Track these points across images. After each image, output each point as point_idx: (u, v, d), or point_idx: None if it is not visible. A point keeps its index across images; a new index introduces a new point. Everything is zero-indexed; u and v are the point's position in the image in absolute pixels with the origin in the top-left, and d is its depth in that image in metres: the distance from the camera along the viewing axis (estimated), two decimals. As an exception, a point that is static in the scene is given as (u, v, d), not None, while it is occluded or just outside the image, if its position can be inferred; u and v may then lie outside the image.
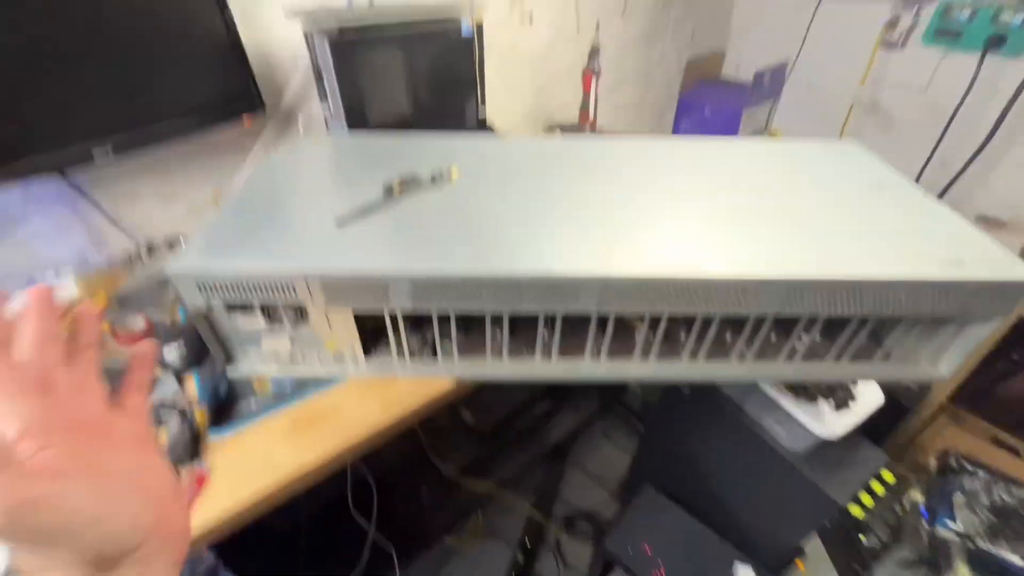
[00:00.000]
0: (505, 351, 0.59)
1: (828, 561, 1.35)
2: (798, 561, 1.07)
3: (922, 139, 1.45)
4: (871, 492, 0.86)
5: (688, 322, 0.60)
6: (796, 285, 0.49)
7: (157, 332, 0.62)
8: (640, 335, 0.59)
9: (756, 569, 0.97)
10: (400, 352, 0.59)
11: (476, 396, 1.57)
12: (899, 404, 1.28)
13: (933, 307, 0.52)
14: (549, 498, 1.51)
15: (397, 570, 1.22)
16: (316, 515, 1.17)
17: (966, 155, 1.32)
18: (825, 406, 0.82)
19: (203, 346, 0.61)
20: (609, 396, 1.75)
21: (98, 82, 0.68)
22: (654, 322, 0.57)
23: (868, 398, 0.83)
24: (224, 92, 0.81)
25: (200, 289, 0.49)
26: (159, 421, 0.53)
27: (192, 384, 0.58)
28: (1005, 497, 1.06)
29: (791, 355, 0.61)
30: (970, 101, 1.29)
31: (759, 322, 0.56)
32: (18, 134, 0.64)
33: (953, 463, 1.14)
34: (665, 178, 0.66)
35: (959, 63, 1.33)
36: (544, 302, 0.51)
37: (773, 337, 0.61)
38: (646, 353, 0.60)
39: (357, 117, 0.81)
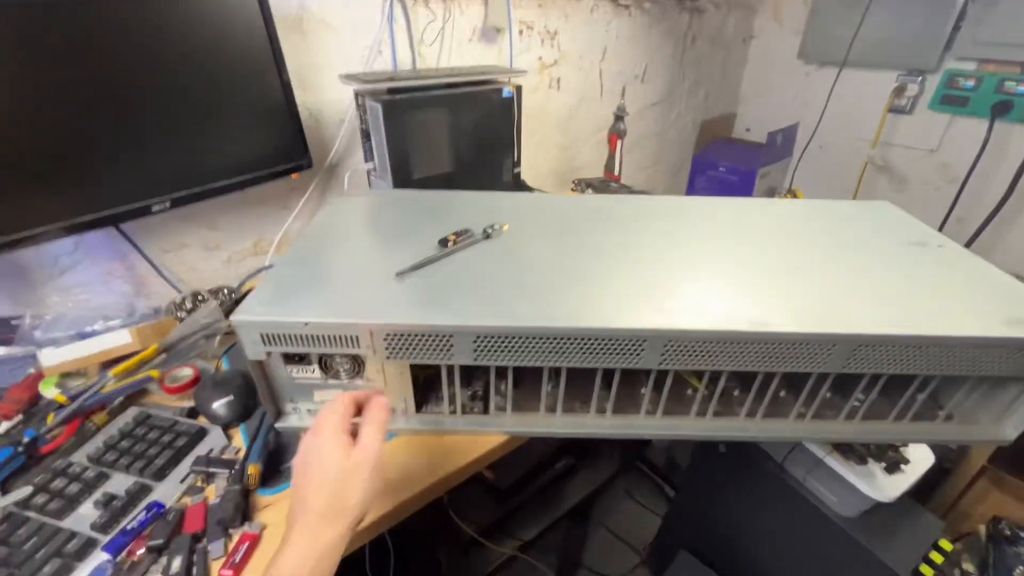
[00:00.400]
0: (559, 407, 0.58)
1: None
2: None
3: (934, 198, 1.49)
4: (930, 563, 0.81)
5: (743, 379, 0.59)
6: (865, 340, 0.49)
7: (204, 383, 0.61)
8: (698, 393, 0.58)
9: (808, 648, 0.90)
10: (452, 407, 0.58)
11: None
12: (940, 465, 1.23)
13: (999, 366, 0.51)
14: (573, 562, 1.43)
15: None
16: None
17: (981, 214, 1.35)
18: (876, 468, 0.79)
19: (249, 400, 0.61)
20: (631, 453, 1.69)
21: (164, 141, 0.71)
22: (711, 379, 0.57)
23: (918, 459, 0.80)
24: (277, 149, 0.84)
25: (264, 340, 0.49)
26: (208, 477, 0.52)
27: (239, 438, 0.57)
28: (1067, 570, 1.00)
29: (851, 414, 0.59)
30: (983, 163, 1.34)
31: (820, 380, 0.55)
32: (88, 189, 0.66)
33: (1005, 531, 1.08)
34: (709, 234, 0.68)
35: (968, 127, 1.38)
36: (606, 357, 0.50)
37: (828, 394, 0.60)
38: (703, 411, 0.59)
39: (402, 173, 0.84)
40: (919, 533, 0.83)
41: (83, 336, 0.68)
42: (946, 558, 0.85)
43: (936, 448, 0.84)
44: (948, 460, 1.27)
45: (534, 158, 1.32)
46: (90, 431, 0.55)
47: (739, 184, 1.69)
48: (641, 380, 0.62)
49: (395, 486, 0.53)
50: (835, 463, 0.79)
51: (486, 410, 0.59)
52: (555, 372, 0.57)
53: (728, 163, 1.72)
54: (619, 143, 1.22)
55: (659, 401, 0.58)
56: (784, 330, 0.49)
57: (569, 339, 0.49)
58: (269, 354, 0.51)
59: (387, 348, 0.50)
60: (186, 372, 0.63)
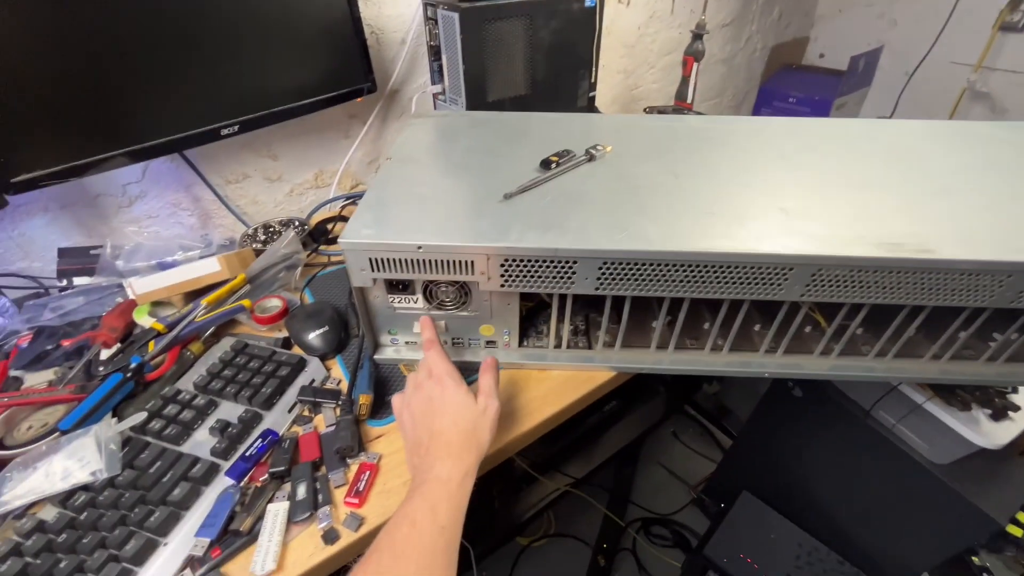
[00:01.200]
0: (673, 343, 0.54)
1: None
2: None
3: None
4: (1029, 511, 0.78)
5: (871, 318, 0.54)
6: (1055, 271, 0.42)
7: (295, 314, 0.59)
8: (827, 331, 0.53)
9: (880, 589, 0.90)
10: (557, 340, 0.55)
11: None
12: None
13: None
14: (622, 501, 1.46)
15: (475, 569, 1.18)
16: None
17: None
18: (980, 414, 0.75)
19: (342, 331, 0.58)
20: (680, 397, 1.68)
21: (226, 63, 0.66)
22: (847, 315, 0.52)
23: (1027, 406, 0.75)
24: (341, 70, 0.78)
25: (372, 265, 0.46)
26: (315, 407, 0.50)
27: (337, 369, 0.55)
28: None
29: (993, 356, 0.54)
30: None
31: (972, 317, 0.50)
32: (150, 114, 0.62)
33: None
34: (833, 156, 0.60)
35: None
36: (743, 287, 0.45)
37: (962, 334, 0.55)
38: (828, 350, 0.55)
39: (476, 95, 0.77)
40: (1018, 481, 0.79)
41: (164, 266, 0.66)
42: (1043, 506, 0.82)
43: None
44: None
45: (599, 84, 1.22)
46: (189, 360, 0.54)
47: (811, 116, 1.55)
48: (754, 316, 0.58)
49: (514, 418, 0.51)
50: (936, 409, 0.75)
51: (590, 345, 0.56)
52: (670, 305, 0.53)
53: (800, 93, 1.57)
54: (695, 66, 1.11)
55: (782, 339, 0.54)
56: (955, 257, 0.43)
57: (706, 266, 0.44)
58: (375, 281, 0.48)
59: (503, 275, 0.46)
60: (275, 303, 0.61)
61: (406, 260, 0.45)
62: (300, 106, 0.75)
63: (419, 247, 0.44)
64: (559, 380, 0.55)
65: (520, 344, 0.56)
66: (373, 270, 0.46)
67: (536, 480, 1.41)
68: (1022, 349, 0.54)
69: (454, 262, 0.45)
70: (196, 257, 0.66)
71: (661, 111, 1.12)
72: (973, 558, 1.17)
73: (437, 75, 0.82)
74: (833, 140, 0.64)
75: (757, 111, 1.68)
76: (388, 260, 0.45)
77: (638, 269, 0.45)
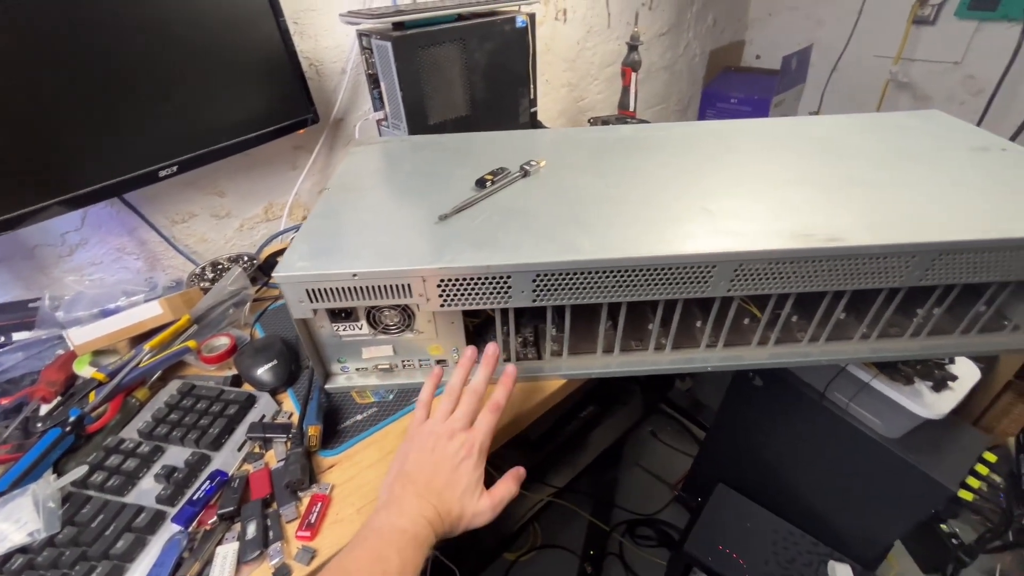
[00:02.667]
0: (617, 346, 0.56)
1: (907, 555, 1.30)
2: (889, 556, 1.03)
3: (958, 113, 1.42)
4: (977, 475, 0.82)
5: (803, 304, 0.57)
6: (946, 248, 0.46)
7: (244, 350, 0.59)
8: (760, 322, 0.55)
9: (852, 567, 0.92)
10: (506, 354, 0.56)
11: (523, 404, 1.51)
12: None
13: (1085, 266, 0.48)
14: (607, 505, 1.46)
15: (463, 590, 1.16)
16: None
17: (1010, 128, 1.30)
18: (923, 387, 0.78)
19: (292, 363, 0.58)
20: (655, 396, 1.70)
21: (160, 102, 0.66)
22: (776, 305, 0.54)
23: (966, 375, 0.79)
24: (281, 104, 0.79)
25: (311, 296, 0.46)
26: (266, 443, 0.50)
27: (289, 403, 0.55)
28: (1099, 472, 1.02)
29: (917, 331, 0.57)
30: (1012, 73, 1.27)
31: (887, 297, 0.53)
32: (84, 159, 0.61)
33: (1037, 440, 1.09)
34: (756, 155, 0.64)
35: (996, 33, 1.31)
36: (672, 287, 0.47)
37: (892, 313, 0.58)
38: (764, 339, 0.57)
39: (417, 119, 0.79)
40: (964, 447, 0.83)
41: (106, 313, 0.65)
42: (991, 469, 0.86)
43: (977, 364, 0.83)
44: (976, 377, 1.28)
45: (543, 99, 1.25)
46: (134, 407, 0.53)
47: (752, 115, 1.62)
48: (696, 313, 0.60)
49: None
50: (882, 385, 0.78)
51: (539, 355, 0.57)
52: (611, 310, 0.55)
53: (740, 94, 1.64)
54: (634, 76, 1.15)
55: (720, 332, 0.56)
56: (862, 243, 0.46)
57: (636, 271, 0.46)
58: (315, 311, 0.48)
59: (441, 295, 0.47)
60: (222, 341, 0.60)
61: (343, 289, 0.46)
62: (241, 142, 0.75)
63: (354, 275, 0.45)
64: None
65: (471, 361, 0.56)
66: (312, 301, 0.47)
67: (519, 494, 1.40)
68: (941, 323, 0.58)
69: (391, 287, 0.46)
70: (141, 301, 0.65)
71: (605, 121, 1.15)
72: (941, 526, 1.22)
73: (378, 102, 0.83)
74: (758, 140, 0.68)
75: (702, 114, 1.75)
76: (325, 290, 0.46)
77: (571, 279, 0.46)
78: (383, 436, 0.51)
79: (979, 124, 1.35)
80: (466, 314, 0.55)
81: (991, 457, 0.84)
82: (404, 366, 0.56)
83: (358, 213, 0.54)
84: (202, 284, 0.72)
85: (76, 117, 0.59)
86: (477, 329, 0.58)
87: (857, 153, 0.63)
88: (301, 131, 0.84)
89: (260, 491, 0.45)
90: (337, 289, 0.46)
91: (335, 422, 0.52)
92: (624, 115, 1.20)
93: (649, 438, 1.67)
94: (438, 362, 0.55)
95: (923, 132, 0.68)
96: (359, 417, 0.53)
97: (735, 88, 1.68)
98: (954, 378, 0.78)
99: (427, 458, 0.41)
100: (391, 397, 0.55)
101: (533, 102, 0.94)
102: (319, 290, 0.46)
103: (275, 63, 0.76)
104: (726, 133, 0.70)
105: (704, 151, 0.65)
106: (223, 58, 0.70)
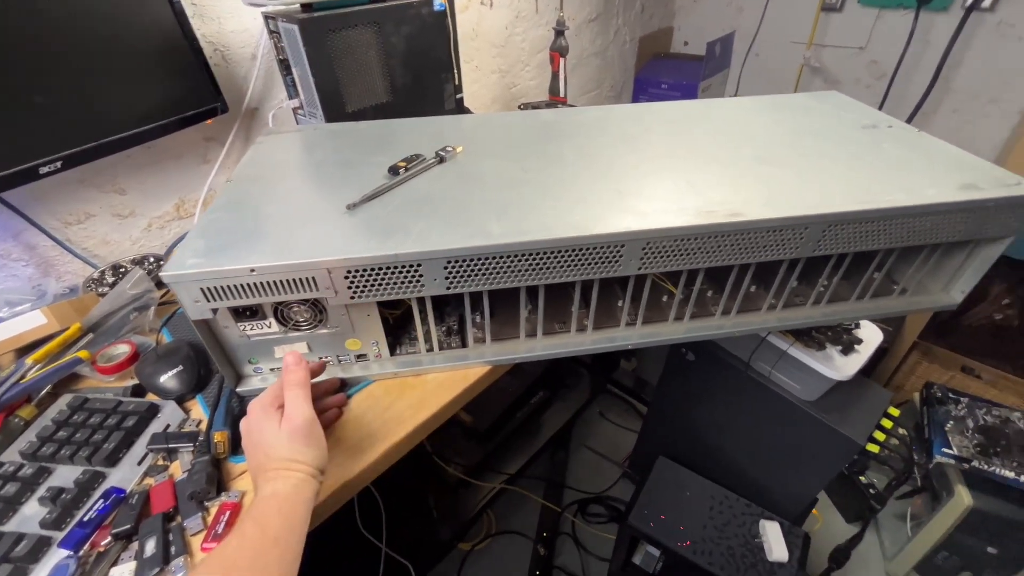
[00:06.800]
0: (539, 329, 0.56)
1: (833, 507, 1.41)
2: (815, 511, 1.10)
3: (865, 95, 1.53)
4: (882, 429, 0.89)
5: (716, 280, 0.59)
6: (835, 219, 0.49)
7: (146, 357, 0.55)
8: (674, 298, 0.57)
9: (780, 523, 0.98)
10: (428, 344, 0.55)
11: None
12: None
13: (955, 230, 0.53)
14: (558, 487, 1.49)
15: (417, 585, 1.16)
16: (325, 539, 1.09)
17: (907, 109, 1.41)
18: (833, 351, 0.84)
19: (202, 368, 0.55)
20: (602, 378, 1.75)
21: (41, 95, 0.59)
22: (687, 282, 0.56)
23: (869, 338, 0.85)
24: (182, 92, 0.73)
25: (207, 295, 0.43)
26: (170, 454, 0.47)
27: (198, 409, 0.52)
28: (988, 418, 1.14)
29: (817, 299, 0.61)
30: (908, 58, 1.37)
31: (789, 268, 0.56)
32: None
33: (937, 393, 1.21)
34: (669, 137, 0.65)
35: (894, 20, 1.41)
36: (585, 268, 0.48)
37: (796, 283, 0.61)
38: (680, 315, 0.59)
39: (334, 106, 0.75)
40: (871, 404, 0.90)
41: (-14, 327, 0.59)
42: (895, 423, 0.94)
43: (881, 327, 0.90)
44: (885, 339, 1.39)
45: (474, 85, 1.24)
46: (17, 427, 0.48)
47: (682, 100, 1.67)
48: (617, 293, 0.61)
49: (377, 435, 0.50)
50: (798, 352, 0.83)
51: (464, 343, 0.57)
52: (531, 294, 0.55)
53: (669, 79, 1.69)
54: (562, 61, 1.15)
55: (638, 310, 0.57)
56: (759, 217, 0.48)
57: (547, 253, 0.46)
58: (215, 311, 0.45)
59: (350, 287, 0.45)
60: (121, 349, 0.56)
61: (242, 285, 0.43)
62: (136, 134, 0.69)
63: (252, 270, 0.42)
64: (434, 383, 0.55)
65: (393, 353, 0.55)
66: (209, 300, 0.44)
67: (471, 483, 1.40)
68: (839, 290, 0.62)
69: (295, 281, 0.44)
70: (27, 311, 0.59)
71: (535, 107, 1.15)
72: (860, 478, 1.32)
73: (292, 89, 0.79)
74: (670, 122, 0.70)
75: (635, 99, 1.78)
76: (222, 288, 0.43)
77: (483, 264, 0.46)
78: (300, 437, 0.49)
79: (881, 105, 1.45)
80: (384, 305, 0.53)
81: (895, 412, 0.92)
82: (322, 363, 0.53)
83: (261, 205, 0.51)
84: (100, 289, 0.67)
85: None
86: (402, 319, 0.57)
87: (760, 133, 0.65)
88: (209, 121, 0.78)
89: (162, 505, 0.42)
90: (235, 286, 0.43)
91: (247, 426, 0.50)
92: (555, 101, 1.21)
93: (598, 418, 1.71)
94: (358, 357, 0.54)
95: (821, 112, 0.72)
96: (274, 419, 0.50)
97: (665, 74, 1.72)
98: (859, 341, 0.84)
99: (251, 441, 0.41)
100: (309, 396, 0.53)
101: (458, 88, 0.92)
102: (215, 288, 0.43)
103: (171, 48, 0.71)
104: (641, 116, 0.72)
105: (619, 134, 0.66)
106: (109, 42, 0.64)
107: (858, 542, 1.04)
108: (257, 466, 0.40)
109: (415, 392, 0.54)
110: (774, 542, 0.95)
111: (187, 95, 0.74)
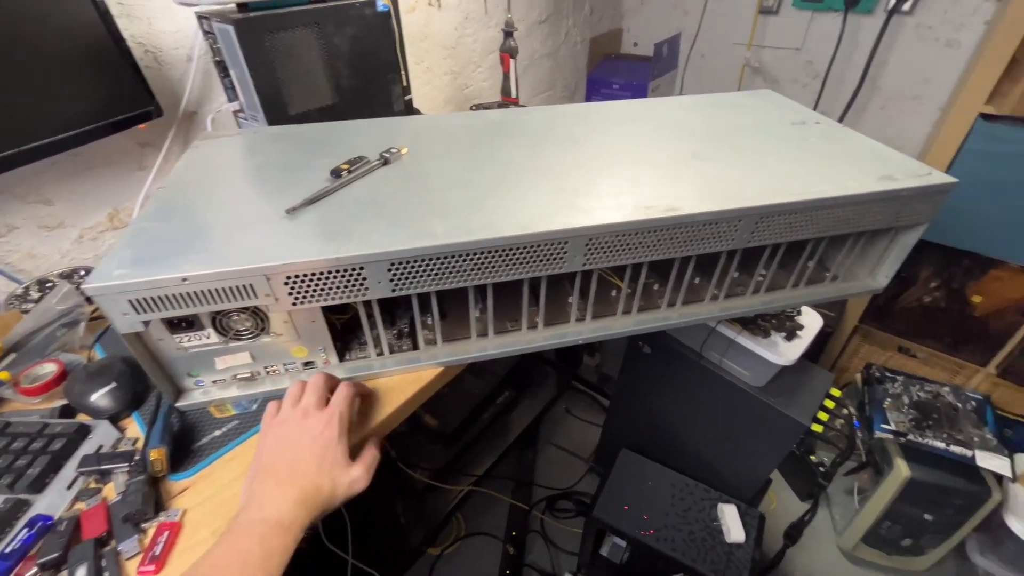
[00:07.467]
0: (491, 328, 0.56)
1: (788, 487, 1.47)
2: (770, 492, 1.15)
3: (802, 94, 1.62)
4: (825, 409, 0.94)
5: (661, 272, 0.61)
6: (766, 211, 0.51)
7: (75, 376, 0.52)
8: (621, 292, 0.58)
9: (737, 506, 1.02)
10: (378, 348, 0.55)
11: (435, 398, 1.50)
12: (822, 330, 1.42)
13: (875, 219, 0.56)
14: (527, 485, 1.50)
15: (385, 594, 1.14)
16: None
17: (840, 107, 1.49)
18: (778, 338, 0.88)
19: (138, 384, 0.52)
20: (566, 374, 1.77)
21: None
22: (634, 275, 0.58)
23: (810, 324, 0.90)
24: (110, 96, 0.69)
25: (136, 307, 0.41)
26: (103, 476, 0.44)
27: (135, 428, 0.49)
28: (921, 394, 1.22)
29: (756, 289, 0.64)
30: (839, 58, 1.45)
31: (728, 259, 0.58)
32: None
33: (876, 373, 1.28)
34: (609, 136, 0.67)
35: (825, 23, 1.49)
36: (531, 266, 0.49)
37: (736, 274, 0.64)
38: (628, 308, 0.60)
39: (276, 109, 0.73)
40: (815, 387, 0.95)
41: None
42: (837, 403, 0.99)
43: (821, 313, 0.95)
44: (828, 324, 1.46)
45: (426, 87, 1.23)
46: (-71, 458, 0.45)
47: (633, 99, 1.71)
48: (566, 289, 0.62)
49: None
50: (745, 340, 0.87)
51: (415, 346, 0.56)
52: (481, 294, 0.55)
53: (621, 79, 1.73)
54: (512, 62, 1.16)
55: (587, 306, 0.59)
56: (695, 211, 0.50)
57: (492, 252, 0.46)
58: (147, 324, 0.43)
59: (291, 294, 0.44)
60: (47, 368, 0.52)
61: (174, 296, 0.41)
62: (59, 141, 0.65)
63: (184, 279, 0.41)
64: (385, 387, 0.54)
65: (342, 359, 0.54)
66: (139, 312, 0.42)
67: (438, 488, 1.39)
68: (777, 279, 0.65)
69: (231, 289, 0.43)
70: (-60, 333, 0.55)
71: (487, 107, 1.16)
72: (811, 457, 1.39)
73: (231, 92, 0.76)
74: (613, 121, 0.72)
75: (589, 99, 1.81)
76: (152, 299, 0.41)
77: (427, 265, 0.46)
78: (245, 449, 0.48)
79: (816, 103, 1.53)
80: (331, 310, 0.52)
81: (837, 392, 0.97)
82: (268, 373, 0.52)
83: (195, 212, 0.49)
84: (24, 306, 0.63)
85: None
86: (348, 325, 0.56)
87: (698, 130, 0.68)
88: (142, 126, 0.75)
89: (94, 530, 0.40)
90: (166, 297, 0.41)
91: (189, 442, 0.48)
92: (507, 102, 1.22)
93: (564, 415, 1.73)
94: (305, 365, 0.53)
95: (755, 109, 0.75)
96: (217, 433, 0.49)
97: (616, 74, 1.76)
98: (801, 327, 0.88)
99: (286, 445, 0.40)
100: (255, 407, 0.52)
101: (406, 89, 0.91)
102: (145, 300, 0.41)
103: (95, 49, 0.67)
104: (586, 116, 0.73)
105: (564, 133, 0.67)
106: (22, 43, 0.60)
107: (811, 519, 1.09)
108: (295, 471, 0.39)
109: (367, 397, 0.53)
110: (731, 524, 0.98)
111: (116, 99, 0.71)
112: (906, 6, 1.35)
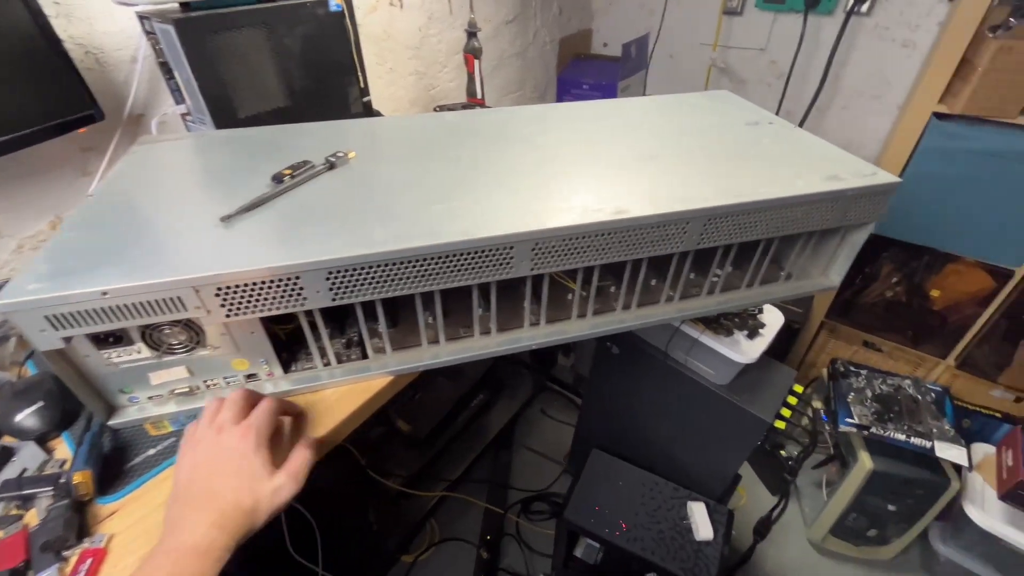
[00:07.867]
0: (442, 335, 0.55)
1: (760, 483, 1.49)
2: (740, 488, 1.17)
3: (767, 94, 1.64)
4: (788, 406, 0.96)
5: (616, 274, 0.61)
6: (714, 213, 0.51)
7: (1, 395, 0.49)
8: (575, 295, 0.58)
9: (706, 503, 1.03)
10: (325, 359, 0.53)
11: (408, 402, 1.49)
12: (790, 326, 1.45)
13: (823, 218, 0.57)
14: (502, 488, 1.49)
15: (357, 604, 1.12)
16: (250, 569, 1.03)
17: (803, 105, 1.51)
18: (740, 336, 0.89)
19: (68, 402, 0.50)
20: (541, 375, 1.77)
21: None
22: (586, 279, 0.57)
23: (772, 322, 0.91)
24: (46, 100, 0.66)
25: (53, 323, 0.39)
26: (25, 501, 0.42)
27: (65, 448, 0.47)
28: (883, 388, 1.24)
29: (711, 289, 0.64)
30: (801, 57, 1.48)
31: (681, 261, 0.58)
32: None
33: (840, 368, 1.31)
34: (565, 138, 0.66)
35: (787, 23, 1.52)
36: (477, 272, 0.48)
37: (692, 275, 0.64)
38: (583, 312, 0.60)
39: (224, 112, 0.71)
40: (778, 384, 0.96)
41: None
42: (800, 399, 1.00)
43: (786, 311, 0.96)
44: (796, 322, 1.49)
45: (390, 87, 1.21)
46: None
47: (602, 99, 1.72)
48: (520, 293, 0.61)
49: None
50: (708, 340, 0.87)
51: (365, 355, 0.55)
52: (430, 299, 0.54)
53: (591, 80, 1.73)
54: (476, 63, 1.15)
55: (540, 310, 0.58)
56: (642, 214, 0.49)
57: (434, 259, 0.45)
58: (69, 340, 0.41)
59: (223, 305, 0.43)
60: (-29, 388, 0.50)
61: (95, 311, 0.39)
62: (-10, 145, 0.62)
63: (104, 292, 0.39)
64: (333, 398, 0.53)
65: (288, 370, 0.53)
66: (57, 329, 0.40)
67: (411, 494, 1.38)
68: (731, 279, 0.65)
69: (157, 302, 0.41)
70: None
71: (451, 109, 1.15)
72: (781, 452, 1.41)
73: (178, 94, 0.74)
74: (568, 122, 0.71)
75: (560, 99, 1.81)
76: (70, 315, 0.39)
77: (367, 273, 0.44)
78: (181, 468, 0.46)
79: (780, 102, 1.55)
80: (274, 320, 0.51)
81: (799, 388, 0.99)
82: (208, 386, 0.50)
83: (123, 222, 0.47)
84: (-49, 322, 0.59)
85: None
86: (293, 335, 0.55)
87: (652, 131, 0.68)
88: (82, 130, 0.72)
89: (10, 560, 0.38)
90: (87, 312, 0.39)
91: (121, 462, 0.46)
92: (473, 103, 1.21)
93: (540, 416, 1.73)
94: (247, 377, 0.51)
95: (711, 111, 0.75)
96: (151, 451, 0.47)
97: (586, 74, 1.77)
98: (763, 325, 0.89)
99: (201, 464, 0.39)
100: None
101: (364, 91, 0.89)
102: (63, 315, 0.39)
103: (27, 51, 0.64)
104: (543, 117, 0.72)
105: (520, 135, 0.66)
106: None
107: (781, 513, 1.11)
108: (213, 491, 0.37)
109: (313, 409, 0.52)
110: (700, 522, 0.99)
111: (53, 102, 0.68)
112: (864, 7, 1.38)
